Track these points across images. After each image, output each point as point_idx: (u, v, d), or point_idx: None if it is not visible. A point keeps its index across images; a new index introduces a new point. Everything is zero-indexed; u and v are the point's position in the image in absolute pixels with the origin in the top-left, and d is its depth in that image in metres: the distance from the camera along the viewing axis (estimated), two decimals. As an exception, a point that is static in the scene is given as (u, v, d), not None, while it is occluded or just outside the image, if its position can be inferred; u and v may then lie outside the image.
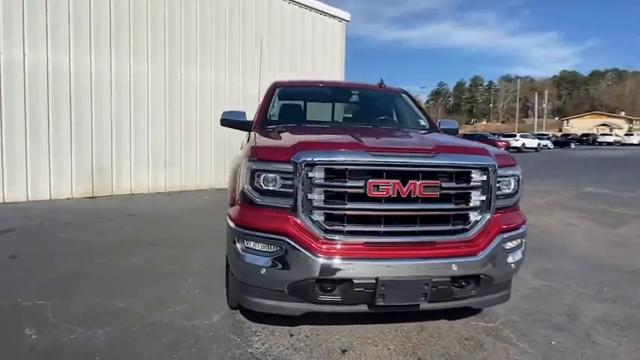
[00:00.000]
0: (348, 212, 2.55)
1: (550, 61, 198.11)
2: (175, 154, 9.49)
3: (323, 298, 2.57)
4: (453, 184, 2.64)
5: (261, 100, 4.31)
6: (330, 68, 11.86)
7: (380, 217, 2.58)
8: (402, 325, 3.16)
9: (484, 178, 2.69)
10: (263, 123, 3.96)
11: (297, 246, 2.49)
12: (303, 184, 2.52)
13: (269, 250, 2.56)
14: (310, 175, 2.52)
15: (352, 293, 2.54)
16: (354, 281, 2.50)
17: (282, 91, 4.44)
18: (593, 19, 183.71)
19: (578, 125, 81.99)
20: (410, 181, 2.53)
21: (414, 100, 4.70)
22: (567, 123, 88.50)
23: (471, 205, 2.69)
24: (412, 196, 2.55)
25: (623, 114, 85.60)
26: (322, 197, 2.54)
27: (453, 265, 2.58)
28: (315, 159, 2.51)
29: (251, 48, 10.35)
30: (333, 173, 2.54)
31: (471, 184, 2.67)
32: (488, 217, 2.72)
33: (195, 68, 9.64)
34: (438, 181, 2.59)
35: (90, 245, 5.09)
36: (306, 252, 2.48)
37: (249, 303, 2.78)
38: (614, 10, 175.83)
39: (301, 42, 11.19)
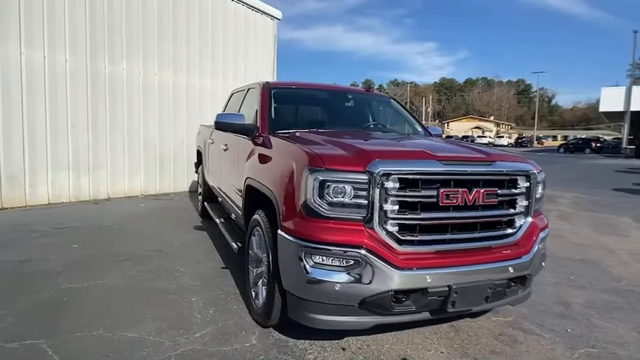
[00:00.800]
0: (421, 222, 2.55)
1: (431, 68, 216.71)
2: (100, 158, 8.47)
3: (397, 309, 2.54)
4: (506, 191, 2.80)
5: (259, 101, 4.07)
6: (264, 68, 11.59)
7: (448, 225, 2.63)
8: (436, 328, 3.25)
9: (527, 184, 2.89)
10: (271, 127, 3.76)
11: (376, 259, 2.43)
12: (379, 195, 2.46)
13: (344, 265, 2.45)
14: (386, 185, 2.47)
15: (426, 302, 2.55)
16: (429, 290, 2.51)
17: (277, 93, 4.24)
18: (465, 33, 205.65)
19: (456, 128, 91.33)
20: (475, 189, 2.63)
21: (403, 106, 4.85)
22: (447, 126, 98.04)
23: (518, 210, 2.87)
24: (476, 203, 2.65)
25: (492, 118, 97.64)
26: (396, 207, 2.50)
27: (510, 268, 2.74)
28: (392, 168, 2.47)
29: (182, 42, 9.69)
30: (405, 183, 2.52)
31: (518, 190, 2.85)
32: (530, 220, 2.94)
33: (122, 62, 8.71)
34: (497, 189, 2.73)
35: (43, 267, 4.32)
36: (385, 264, 2.43)
37: (311, 321, 2.62)
38: (483, 27, 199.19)
39: (233, 39, 10.75)
